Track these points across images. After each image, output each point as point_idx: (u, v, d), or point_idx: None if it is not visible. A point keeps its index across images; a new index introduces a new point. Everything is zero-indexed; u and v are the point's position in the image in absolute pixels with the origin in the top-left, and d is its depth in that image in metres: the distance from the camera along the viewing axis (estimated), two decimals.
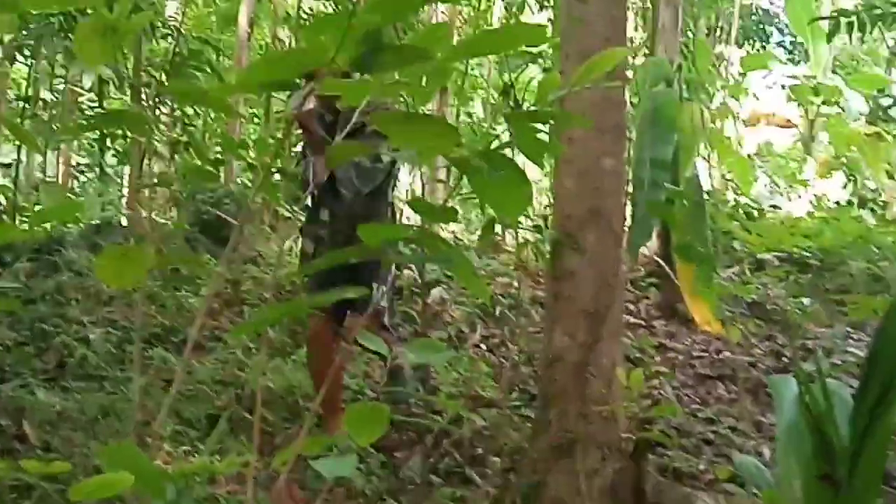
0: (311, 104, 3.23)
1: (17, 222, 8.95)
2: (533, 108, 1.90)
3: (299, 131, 4.51)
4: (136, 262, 1.69)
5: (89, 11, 1.83)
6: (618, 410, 4.08)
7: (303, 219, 5.28)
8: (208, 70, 10.88)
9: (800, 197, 12.88)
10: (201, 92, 1.61)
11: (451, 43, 1.75)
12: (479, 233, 13.20)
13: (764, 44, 18.51)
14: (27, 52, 11.23)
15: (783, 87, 12.83)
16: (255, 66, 1.59)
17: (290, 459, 1.76)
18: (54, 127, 11.35)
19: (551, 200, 5.33)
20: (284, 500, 1.48)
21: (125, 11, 1.71)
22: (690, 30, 12.72)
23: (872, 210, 11.86)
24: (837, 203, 12.09)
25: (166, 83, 10.34)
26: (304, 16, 13.27)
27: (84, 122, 6.12)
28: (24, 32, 10.15)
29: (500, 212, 1.52)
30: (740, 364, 6.30)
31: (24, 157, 12.54)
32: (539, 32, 1.69)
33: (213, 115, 13.12)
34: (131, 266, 1.68)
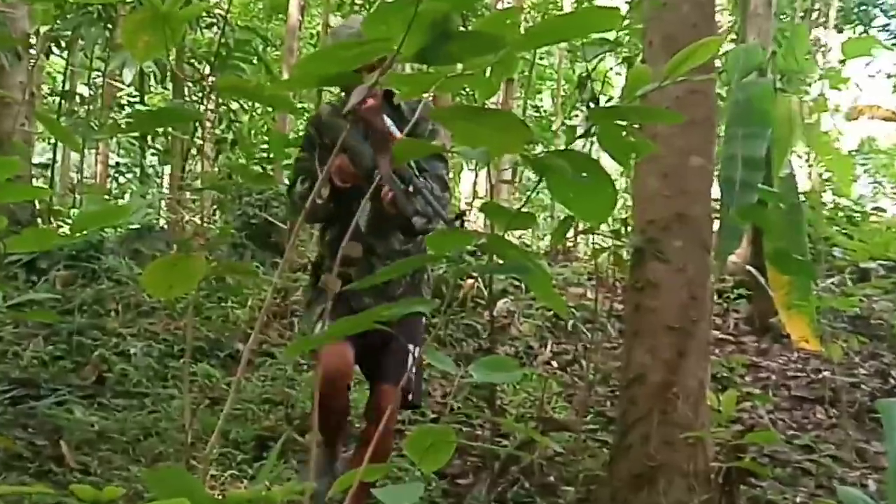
0: (371, 100, 3.17)
1: (52, 226, 9.03)
2: (613, 102, 1.88)
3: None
4: (186, 273, 1.70)
5: (135, 1, 1.84)
6: (706, 436, 4.02)
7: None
8: (254, 61, 10.92)
9: None
10: (257, 88, 1.61)
11: (520, 30, 1.73)
12: (547, 238, 13.14)
13: (866, 28, 18.23)
14: (63, 44, 11.36)
15: (888, 75, 12.63)
16: (315, 57, 1.60)
17: (352, 486, 1.76)
18: (92, 124, 11.42)
19: (631, 202, 5.25)
20: None
21: (180, 1, 1.71)
22: (785, 13, 12.55)
23: None
24: None
25: (211, 75, 10.40)
26: (358, 2, 13.34)
27: (127, 121, 6.16)
28: (60, 23, 10.20)
29: (582, 217, 1.50)
30: (841, 385, 6.17)
31: (59, 157, 12.64)
32: (613, 16, 1.66)
33: (260, 109, 13.20)
34: (181, 277, 1.70)
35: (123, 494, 4.11)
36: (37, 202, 9.16)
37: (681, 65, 1.69)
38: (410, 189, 3.41)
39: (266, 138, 14.12)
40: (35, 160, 12.16)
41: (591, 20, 1.64)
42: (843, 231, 10.05)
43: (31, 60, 9.28)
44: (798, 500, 4.74)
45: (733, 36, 10.80)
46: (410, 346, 3.72)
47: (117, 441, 4.91)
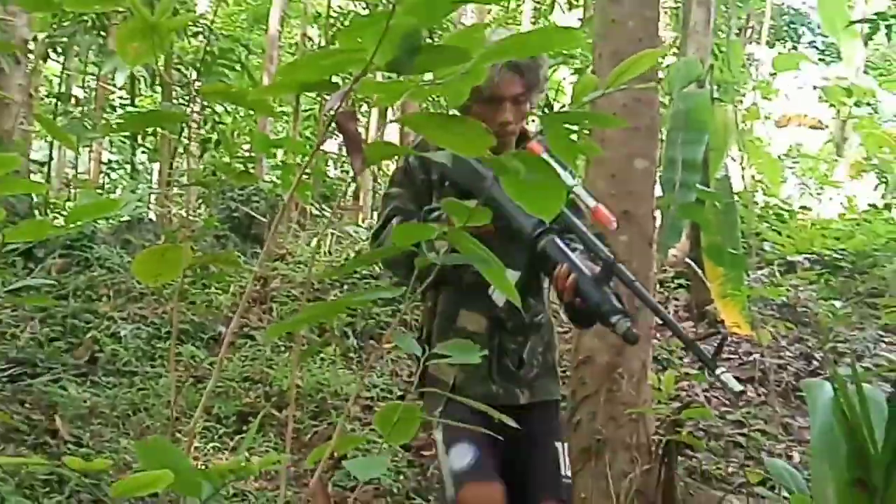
0: (337, 102, 2.48)
1: (49, 218, 8.96)
2: (565, 109, 1.90)
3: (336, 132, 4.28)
4: (173, 261, 1.70)
5: (128, 11, 1.84)
6: (648, 412, 4.06)
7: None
8: (237, 68, 10.89)
9: (830, 199, 12.77)
10: (239, 93, 1.61)
11: (485, 44, 1.74)
12: None
13: (795, 44, 18.41)
14: (59, 50, 11.28)
15: (814, 87, 12.75)
16: (294, 66, 1.59)
17: (323, 458, 1.76)
18: (86, 124, 11.37)
19: None
20: (320, 498, 1.47)
21: (167, 11, 1.71)
22: (721, 30, 12.64)
23: None
24: (870, 205, 11.97)
25: (197, 80, 10.37)
26: (334, 15, 13.29)
27: (119, 122, 6.16)
28: (56, 30, 10.21)
29: (534, 211, 1.51)
30: (770, 366, 6.23)
31: (55, 154, 12.59)
32: (574, 36, 1.67)
33: (242, 112, 13.15)
34: (168, 265, 1.69)
35: (112, 465, 4.11)
36: (34, 196, 9.10)
37: (623, 74, 1.71)
38: (604, 274, 2.41)
39: (248, 139, 14.08)
40: (33, 157, 12.07)
41: (552, 39, 1.65)
42: (773, 228, 10.15)
43: (30, 64, 9.21)
44: (730, 469, 4.79)
45: (675, 50, 10.88)
46: (558, 445, 2.79)
47: (108, 416, 4.88)
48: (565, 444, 2.80)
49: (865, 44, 8.82)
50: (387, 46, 1.55)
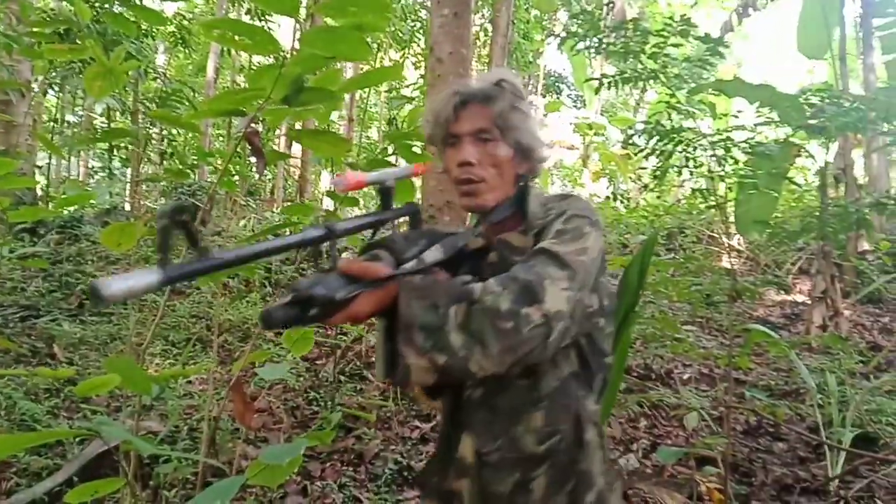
0: (245, 124, 2.17)
1: (49, 206, 8.51)
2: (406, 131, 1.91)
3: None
4: (130, 233, 1.63)
5: (91, 59, 1.75)
6: None
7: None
8: (186, 103, 10.53)
9: (617, 198, 13.26)
10: (177, 117, 1.57)
11: (340, 82, 1.74)
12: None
13: (558, 95, 18.88)
14: (55, 87, 10.79)
15: (570, 123, 13.15)
16: (216, 99, 1.55)
17: (241, 366, 1.74)
18: (76, 140, 10.92)
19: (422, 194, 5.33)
20: (238, 391, 1.45)
21: (119, 59, 1.64)
22: None
23: (623, 202, 12.37)
24: (606, 198, 12.54)
25: (155, 111, 9.99)
26: (255, 67, 12.92)
27: (95, 136, 5.91)
28: (53, 73, 9.74)
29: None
30: None
31: (54, 162, 12.11)
32: (394, 71, 1.69)
33: (189, 134, 12.66)
34: (126, 236, 1.63)
35: (88, 373, 3.93)
36: (39, 190, 8.63)
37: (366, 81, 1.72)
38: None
39: (194, 151, 13.62)
40: (37, 164, 11.44)
41: (382, 74, 1.66)
42: None
43: (35, 98, 8.69)
44: None
45: None
46: None
47: (92, 344, 4.64)
48: None
49: (596, 93, 9.21)
50: (280, 87, 1.53)
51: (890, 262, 6.88)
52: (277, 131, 11.85)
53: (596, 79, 3.12)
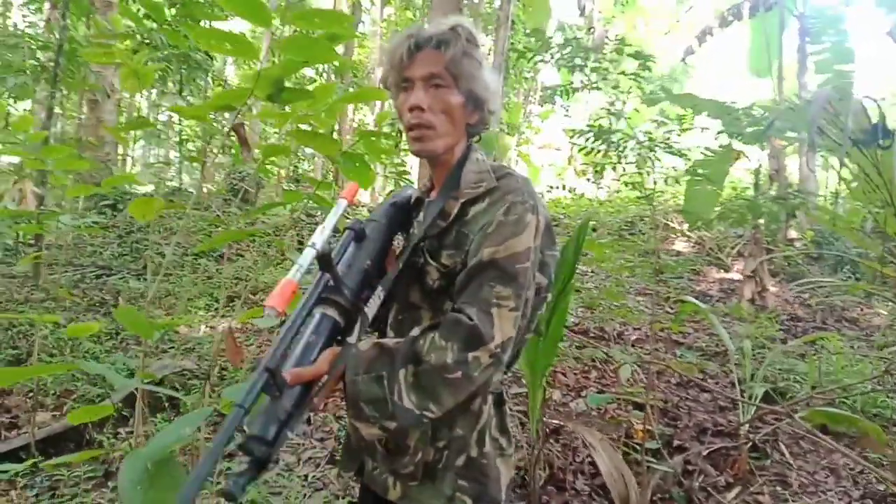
0: (233, 119, 2.00)
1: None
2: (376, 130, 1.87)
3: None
4: (150, 207, 1.61)
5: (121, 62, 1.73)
6: None
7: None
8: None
9: (565, 188, 13.12)
10: (189, 108, 1.55)
11: (335, 95, 1.70)
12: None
13: (553, 104, 18.65)
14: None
15: (562, 129, 13.03)
16: (214, 97, 1.52)
17: (243, 320, 1.72)
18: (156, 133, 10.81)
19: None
20: (230, 337, 1.42)
21: (141, 61, 1.63)
22: (509, 95, 12.82)
23: (571, 194, 12.33)
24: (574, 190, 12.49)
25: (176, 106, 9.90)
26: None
27: (121, 126, 5.92)
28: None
29: (356, 182, 1.48)
30: None
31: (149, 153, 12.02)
32: (379, 92, 1.64)
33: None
34: (147, 209, 1.61)
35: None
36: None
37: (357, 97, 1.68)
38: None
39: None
40: (130, 154, 11.35)
41: (373, 94, 1.62)
42: None
43: (118, 98, 8.67)
44: None
45: None
46: None
47: (152, 298, 4.67)
48: None
49: (567, 98, 9.25)
50: (262, 87, 1.49)
51: (813, 248, 6.76)
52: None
53: (553, 87, 3.06)
